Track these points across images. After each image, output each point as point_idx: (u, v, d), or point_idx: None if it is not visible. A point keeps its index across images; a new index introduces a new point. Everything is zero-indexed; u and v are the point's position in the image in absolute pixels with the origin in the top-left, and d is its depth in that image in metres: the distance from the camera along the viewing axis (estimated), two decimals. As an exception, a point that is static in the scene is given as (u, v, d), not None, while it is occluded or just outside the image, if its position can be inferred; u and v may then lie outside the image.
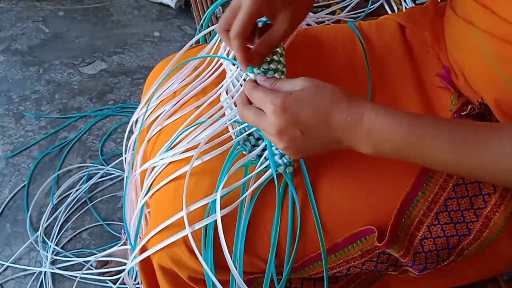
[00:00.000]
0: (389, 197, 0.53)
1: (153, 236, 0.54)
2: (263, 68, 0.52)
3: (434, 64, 0.62)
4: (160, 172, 0.59)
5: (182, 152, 0.57)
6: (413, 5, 1.06)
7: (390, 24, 0.68)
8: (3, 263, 1.08)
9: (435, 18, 0.64)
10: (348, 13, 1.07)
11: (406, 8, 1.06)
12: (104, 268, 1.05)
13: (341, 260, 0.53)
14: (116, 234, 1.12)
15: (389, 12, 1.07)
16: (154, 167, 0.61)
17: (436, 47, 0.62)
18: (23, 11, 1.73)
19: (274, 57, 0.53)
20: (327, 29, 0.71)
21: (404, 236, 0.51)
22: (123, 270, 1.02)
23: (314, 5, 1.05)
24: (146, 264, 0.58)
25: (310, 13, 0.94)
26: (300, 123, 0.44)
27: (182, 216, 0.51)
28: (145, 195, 0.59)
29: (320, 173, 0.54)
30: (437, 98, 0.60)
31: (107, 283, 1.05)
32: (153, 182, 0.60)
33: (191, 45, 0.73)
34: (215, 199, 0.50)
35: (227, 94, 0.62)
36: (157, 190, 0.58)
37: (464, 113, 0.55)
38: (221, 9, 1.04)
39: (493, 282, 0.68)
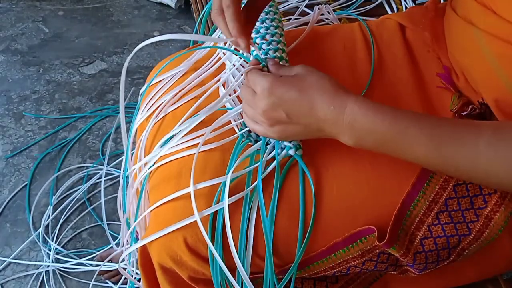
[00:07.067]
0: (390, 197, 0.53)
1: (153, 207, 0.54)
2: (263, 48, 0.57)
3: (435, 64, 0.62)
4: (159, 166, 0.59)
5: (184, 142, 0.58)
6: (413, 5, 1.06)
7: (390, 24, 0.68)
8: (4, 259, 1.08)
9: (435, 18, 0.64)
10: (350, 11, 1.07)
11: (406, 8, 1.06)
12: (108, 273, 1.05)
13: (341, 260, 0.53)
14: (116, 234, 1.13)
15: (389, 12, 1.07)
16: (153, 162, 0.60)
17: (436, 47, 0.62)
18: (23, 11, 1.73)
19: (274, 37, 0.58)
20: (330, 28, 0.71)
21: (405, 235, 0.51)
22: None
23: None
24: (146, 263, 0.58)
25: (309, 12, 0.94)
26: (285, 105, 0.46)
27: (183, 212, 0.51)
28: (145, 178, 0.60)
29: (320, 173, 0.54)
30: (437, 98, 0.60)
31: (107, 283, 1.05)
32: (151, 174, 0.60)
33: (192, 44, 0.74)
34: (225, 181, 0.51)
35: (224, 88, 0.62)
36: (159, 171, 0.58)
37: (465, 113, 0.55)
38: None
39: (493, 282, 0.67)
